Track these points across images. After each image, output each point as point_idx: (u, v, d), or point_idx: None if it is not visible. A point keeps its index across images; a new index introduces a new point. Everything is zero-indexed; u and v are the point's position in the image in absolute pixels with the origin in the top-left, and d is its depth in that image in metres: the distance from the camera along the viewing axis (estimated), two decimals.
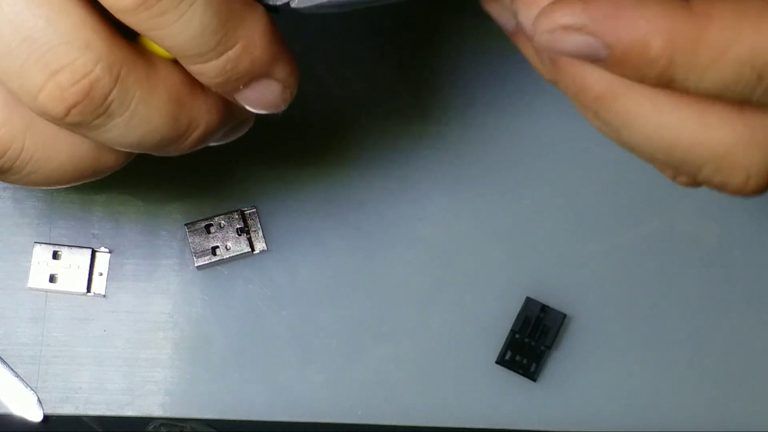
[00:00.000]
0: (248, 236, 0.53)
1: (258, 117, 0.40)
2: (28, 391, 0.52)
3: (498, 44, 0.50)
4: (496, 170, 0.53)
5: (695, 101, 0.33)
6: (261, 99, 0.37)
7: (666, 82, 0.33)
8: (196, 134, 0.37)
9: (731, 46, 0.32)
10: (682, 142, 0.34)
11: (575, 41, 0.33)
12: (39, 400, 0.52)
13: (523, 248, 0.53)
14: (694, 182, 0.36)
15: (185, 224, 0.52)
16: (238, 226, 0.52)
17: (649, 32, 0.32)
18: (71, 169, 0.38)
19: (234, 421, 0.52)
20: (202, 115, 0.37)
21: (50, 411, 0.52)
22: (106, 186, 0.53)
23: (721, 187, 0.35)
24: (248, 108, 0.38)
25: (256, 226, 0.53)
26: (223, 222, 0.52)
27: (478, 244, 0.53)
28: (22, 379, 0.52)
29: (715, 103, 0.33)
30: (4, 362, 0.52)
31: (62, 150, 0.37)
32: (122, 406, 0.52)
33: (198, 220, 0.52)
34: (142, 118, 0.36)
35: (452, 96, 0.54)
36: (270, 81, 0.37)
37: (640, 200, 0.54)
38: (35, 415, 0.52)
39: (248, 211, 0.53)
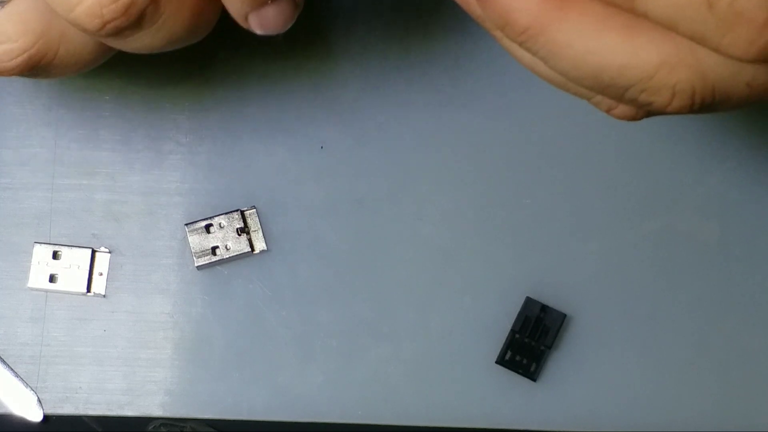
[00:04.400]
0: (248, 236, 0.53)
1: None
2: (28, 391, 0.52)
3: (498, 45, 0.50)
4: (496, 170, 0.53)
5: (622, 25, 0.34)
6: (278, 17, 0.39)
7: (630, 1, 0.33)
8: (204, 34, 0.40)
9: None
10: (609, 67, 0.34)
11: None
12: (39, 400, 0.52)
13: (523, 248, 0.53)
14: (620, 102, 0.36)
15: (185, 224, 0.52)
16: (238, 226, 0.52)
17: None
18: (90, 63, 0.41)
19: (234, 421, 0.52)
20: (212, 19, 0.40)
21: (50, 411, 0.52)
22: (106, 186, 0.53)
23: (646, 105, 0.36)
24: (256, 29, 0.39)
25: (256, 225, 0.53)
26: (223, 222, 0.52)
27: (478, 244, 0.53)
28: (22, 379, 0.52)
29: (644, 25, 0.34)
30: (4, 362, 0.52)
31: (87, 52, 0.40)
32: (122, 406, 0.52)
33: (198, 220, 0.52)
34: (167, 30, 0.38)
35: (453, 96, 0.54)
36: None
37: (640, 200, 0.54)
38: (35, 415, 0.52)
39: (248, 211, 0.53)
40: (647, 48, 0.34)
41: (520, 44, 0.35)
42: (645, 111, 0.37)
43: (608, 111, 0.38)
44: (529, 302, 0.52)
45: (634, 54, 0.34)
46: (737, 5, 0.32)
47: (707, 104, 0.35)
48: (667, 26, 0.33)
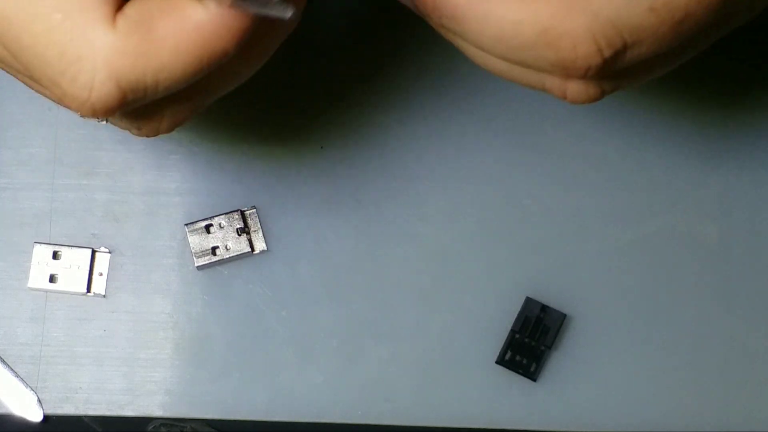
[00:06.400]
0: (248, 236, 0.52)
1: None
2: (28, 391, 0.52)
3: None
4: (496, 170, 0.53)
5: None
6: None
7: None
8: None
9: None
10: (506, 27, 0.35)
11: None
12: (39, 400, 0.52)
13: (523, 248, 0.53)
14: (541, 72, 0.37)
15: (185, 224, 0.52)
16: (238, 226, 0.52)
17: None
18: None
19: (234, 421, 0.52)
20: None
21: (50, 411, 0.52)
22: (105, 186, 0.53)
23: (559, 65, 0.36)
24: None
25: (256, 226, 0.53)
26: (223, 222, 0.52)
27: (478, 244, 0.53)
28: (22, 379, 0.52)
29: None
30: (5, 362, 0.52)
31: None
32: (122, 406, 0.52)
33: (198, 220, 0.52)
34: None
35: (453, 96, 0.54)
36: None
37: (640, 200, 0.54)
38: (35, 415, 0.52)
39: (248, 211, 0.53)
40: (540, 6, 0.35)
41: (445, 26, 0.36)
42: (588, 85, 0.37)
43: (563, 95, 0.38)
44: (529, 302, 0.52)
45: (523, 9, 0.35)
46: None
47: (619, 48, 0.35)
48: None
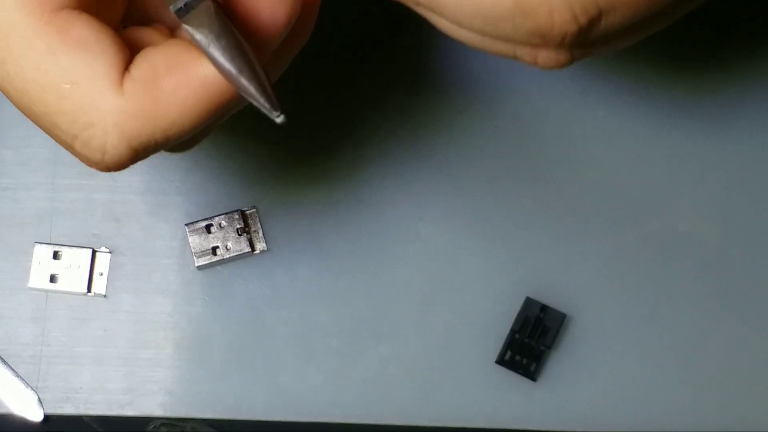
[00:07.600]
0: (248, 236, 0.53)
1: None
2: (28, 390, 0.52)
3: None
4: (495, 170, 0.53)
5: None
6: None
7: None
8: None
9: None
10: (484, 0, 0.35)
11: None
12: (39, 400, 0.52)
13: (523, 248, 0.53)
14: (523, 43, 0.37)
15: (185, 224, 0.52)
16: (238, 226, 0.52)
17: None
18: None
19: (234, 421, 0.52)
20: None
21: (50, 411, 0.52)
22: (106, 186, 0.53)
23: (536, 34, 0.36)
24: None
25: (256, 226, 0.53)
26: (223, 222, 0.52)
27: (478, 244, 0.53)
28: (22, 379, 0.52)
29: None
30: (5, 362, 0.52)
31: None
32: (122, 405, 0.52)
33: (198, 220, 0.52)
34: None
35: (452, 96, 0.54)
36: None
37: (640, 200, 0.54)
38: (35, 415, 0.52)
39: (248, 211, 0.53)
40: None
41: (422, 4, 0.36)
42: (559, 51, 0.37)
43: (534, 62, 0.38)
44: (529, 302, 0.52)
45: None
46: None
47: (594, 16, 0.35)
48: None
